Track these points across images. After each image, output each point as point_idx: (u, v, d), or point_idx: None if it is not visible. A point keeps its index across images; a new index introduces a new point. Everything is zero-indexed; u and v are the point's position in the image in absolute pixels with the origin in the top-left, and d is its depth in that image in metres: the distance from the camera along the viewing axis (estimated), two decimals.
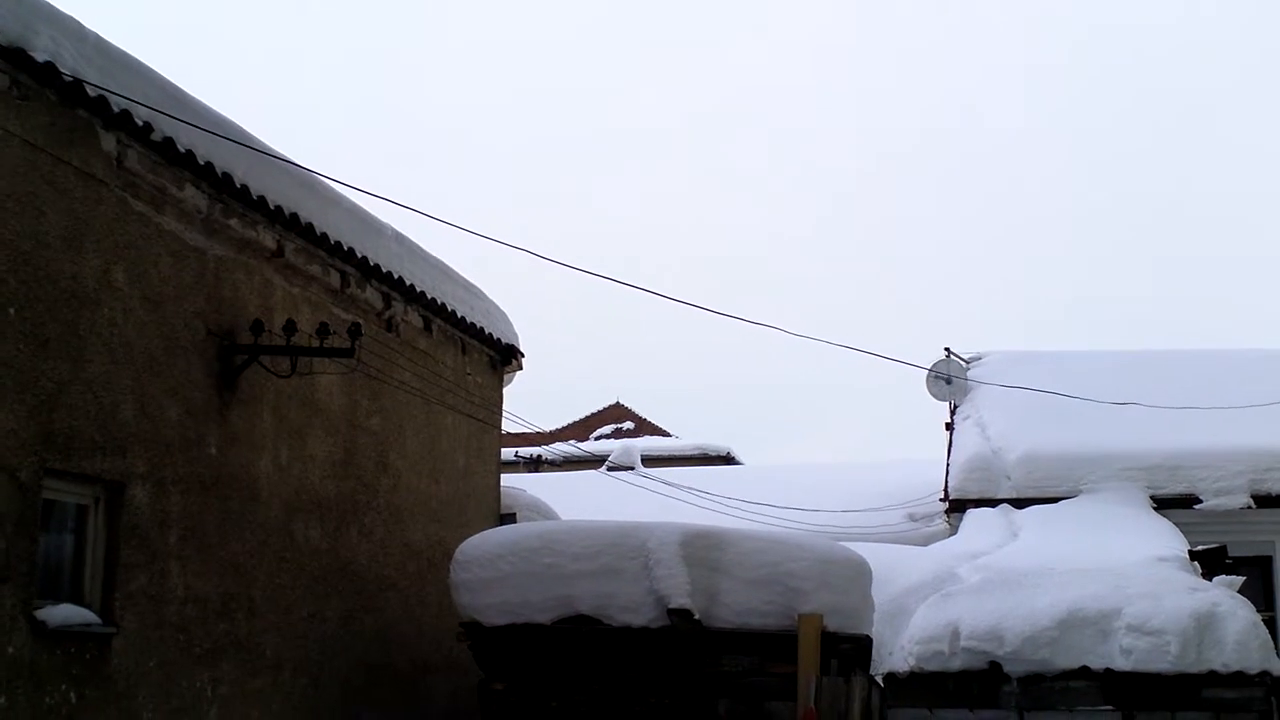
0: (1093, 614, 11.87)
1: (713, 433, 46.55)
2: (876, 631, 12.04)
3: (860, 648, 11.41)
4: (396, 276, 12.73)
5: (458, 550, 11.64)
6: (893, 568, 13.31)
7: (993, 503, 18.26)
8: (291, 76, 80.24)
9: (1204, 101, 73.91)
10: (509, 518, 15.54)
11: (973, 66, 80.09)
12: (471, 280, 14.86)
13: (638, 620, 11.04)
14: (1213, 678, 11.53)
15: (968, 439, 19.75)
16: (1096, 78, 76.92)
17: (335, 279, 11.88)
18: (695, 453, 34.23)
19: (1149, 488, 18.04)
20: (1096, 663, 11.73)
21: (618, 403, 44.48)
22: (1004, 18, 77.86)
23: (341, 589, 11.94)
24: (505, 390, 15.98)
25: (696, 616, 10.91)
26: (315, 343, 10.76)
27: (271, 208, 10.68)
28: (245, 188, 10.30)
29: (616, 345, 69.49)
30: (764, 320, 15.68)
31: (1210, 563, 14.62)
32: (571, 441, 32.25)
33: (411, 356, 13.29)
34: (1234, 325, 64.97)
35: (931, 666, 12.11)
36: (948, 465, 19.61)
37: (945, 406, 21.19)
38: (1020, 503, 18.01)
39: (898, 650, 12.46)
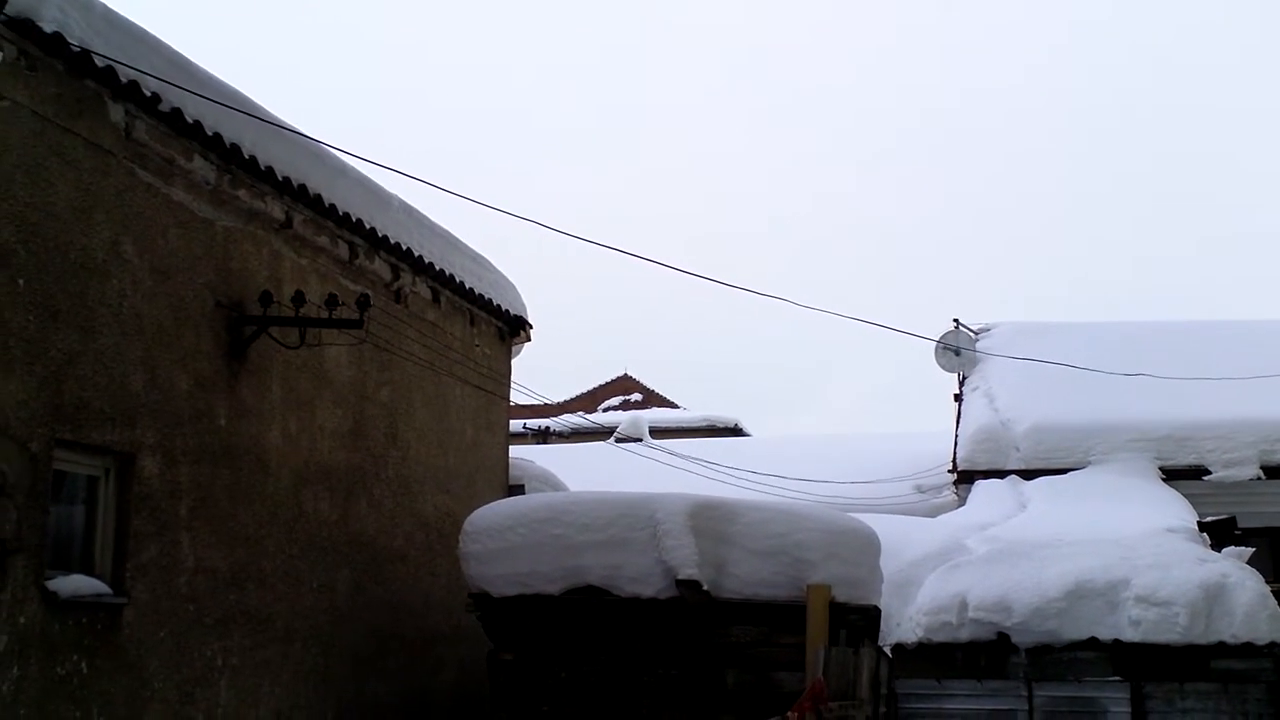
0: (1101, 585, 11.89)
1: (720, 404, 46.68)
2: (885, 602, 12.05)
3: (868, 618, 11.42)
4: (405, 247, 12.71)
5: (467, 521, 11.65)
6: (901, 539, 13.31)
7: (1001, 474, 18.28)
8: (294, 50, 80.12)
9: (1213, 77, 73.64)
10: (517, 489, 15.55)
11: (971, 44, 79.79)
12: (479, 252, 14.84)
13: (646, 591, 11.05)
14: (1221, 648, 11.56)
15: (976, 410, 19.74)
16: (1103, 53, 76.62)
17: (344, 250, 11.86)
18: (703, 424, 34.25)
19: (1158, 459, 18.04)
20: (1105, 634, 11.75)
21: (625, 375, 44.47)
22: None
23: (351, 560, 11.96)
24: (513, 362, 15.98)
25: (705, 587, 10.92)
26: (324, 314, 10.75)
27: (280, 178, 10.66)
28: (253, 158, 10.28)
29: (624, 317, 69.51)
30: (772, 292, 15.65)
31: (1219, 534, 14.62)
32: (579, 413, 32.28)
33: (420, 328, 13.28)
34: (1241, 298, 64.89)
35: (939, 637, 12.15)
36: (956, 437, 19.61)
37: (954, 378, 21.19)
38: (1029, 474, 18.02)
39: (906, 621, 12.49)
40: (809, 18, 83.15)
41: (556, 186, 76.71)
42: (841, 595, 10.95)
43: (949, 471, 19.36)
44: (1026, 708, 11.73)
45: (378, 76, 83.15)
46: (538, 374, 24.31)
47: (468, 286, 14.17)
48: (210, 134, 9.74)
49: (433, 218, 13.59)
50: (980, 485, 18.09)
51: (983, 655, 12.10)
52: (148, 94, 9.06)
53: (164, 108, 9.27)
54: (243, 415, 10.40)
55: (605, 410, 39.18)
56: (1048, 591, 11.94)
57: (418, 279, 13.24)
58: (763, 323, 74.88)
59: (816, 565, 10.97)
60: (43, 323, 8.29)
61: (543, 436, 31.43)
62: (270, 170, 10.53)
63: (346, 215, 11.66)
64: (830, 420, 66.05)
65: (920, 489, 20.21)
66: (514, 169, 78.26)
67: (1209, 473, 17.96)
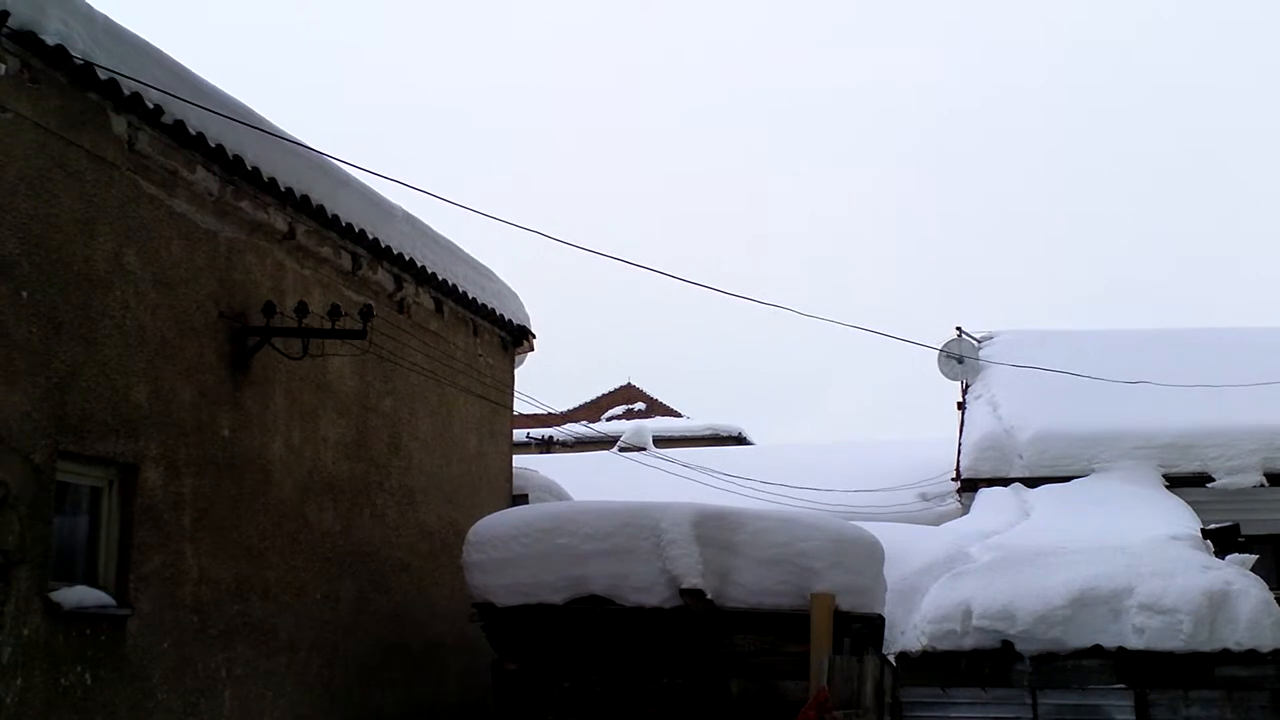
0: (1105, 593, 11.86)
1: (724, 413, 46.55)
2: (889, 611, 12.03)
3: (872, 627, 11.41)
4: (408, 258, 12.73)
5: (470, 531, 11.67)
6: (905, 547, 13.29)
7: (1005, 482, 18.23)
8: (293, 60, 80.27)
9: (1214, 91, 73.65)
10: (521, 499, 15.56)
11: (971, 56, 79.87)
12: (482, 261, 14.86)
13: (650, 600, 11.05)
14: (1226, 656, 11.52)
15: (979, 418, 19.72)
16: (1105, 67, 76.70)
17: (346, 261, 11.88)
18: (707, 433, 34.22)
19: (1161, 466, 17.99)
20: (1109, 641, 11.72)
21: (629, 383, 44.45)
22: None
23: (355, 570, 11.97)
24: (517, 371, 15.99)
25: (709, 596, 10.93)
26: (327, 325, 10.77)
27: (282, 190, 10.68)
28: (256, 170, 10.31)
29: (627, 327, 69.52)
30: (775, 301, 15.69)
31: (1223, 541, 14.58)
32: (583, 422, 32.29)
33: (423, 338, 13.30)
34: (1243, 304, 64.89)
35: (944, 646, 12.11)
36: (959, 445, 19.59)
37: (957, 386, 21.17)
38: (1032, 482, 17.98)
39: (910, 629, 12.46)
40: (819, 26, 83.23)
41: (555, 190, 76.74)
42: (845, 604, 10.95)
43: (952, 479, 19.32)
44: (1031, 716, 11.69)
45: (377, 83, 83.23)
46: (541, 383, 24.31)
47: (471, 296, 14.19)
48: (213, 145, 9.76)
49: (435, 228, 13.62)
50: (984, 493, 18.05)
51: (987, 663, 12.06)
52: (150, 106, 9.09)
53: (167, 119, 9.29)
54: (246, 426, 10.41)
55: (609, 419, 39.15)
56: (1052, 599, 11.91)
57: (421, 289, 13.26)
58: (765, 331, 74.90)
59: (821, 574, 10.97)
60: (46, 334, 8.30)
61: (546, 446, 31.42)
62: (273, 181, 10.55)
63: (349, 226, 11.69)
64: (833, 428, 66.03)
65: (924, 497, 20.18)
66: (506, 176, 78.27)
67: (1212, 480, 17.91)
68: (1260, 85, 76.79)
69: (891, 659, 12.11)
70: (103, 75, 8.62)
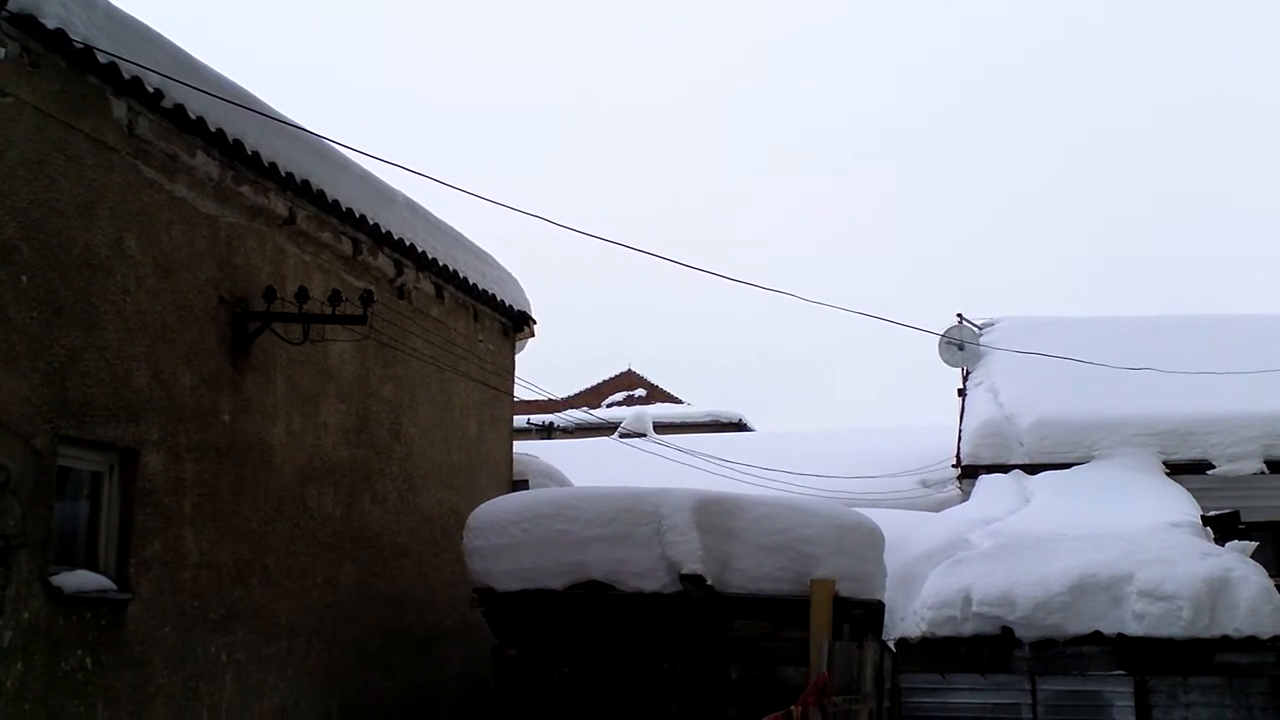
0: (1105, 579, 11.88)
1: (725, 400, 46.58)
2: (889, 597, 12.05)
3: (872, 613, 11.42)
4: (408, 243, 12.72)
5: (471, 517, 11.67)
6: (905, 533, 13.30)
7: (1005, 469, 18.24)
8: (296, 46, 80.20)
9: (1213, 71, 73.52)
10: (522, 484, 15.56)
11: (969, 33, 79.74)
12: (483, 247, 14.85)
13: (650, 586, 11.07)
14: (1225, 643, 11.54)
15: (980, 405, 19.72)
16: (1109, 45, 76.59)
17: (347, 246, 11.87)
18: (707, 419, 34.19)
19: (1162, 453, 17.99)
20: (1109, 628, 11.74)
21: (630, 370, 44.44)
22: None
23: (355, 555, 11.98)
24: (517, 357, 15.99)
25: (709, 582, 10.93)
26: (328, 310, 10.76)
27: (283, 175, 10.67)
28: (256, 154, 10.29)
29: (628, 313, 69.51)
30: (777, 286, 15.67)
31: (1223, 528, 14.59)
32: (584, 408, 32.26)
33: (424, 324, 13.29)
34: (1244, 292, 64.83)
35: (944, 632, 12.14)
36: (960, 431, 19.58)
37: (958, 373, 21.16)
38: (1032, 468, 17.98)
39: (910, 615, 12.49)
40: (819, 10, 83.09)
41: (554, 180, 76.68)
42: (846, 590, 10.96)
43: (953, 466, 19.33)
44: (1030, 701, 11.73)
45: (380, 74, 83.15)
46: (542, 369, 24.35)
47: (471, 282, 14.18)
48: (213, 130, 9.75)
49: (437, 214, 13.61)
50: (984, 480, 18.06)
51: (986, 649, 12.09)
52: (150, 90, 9.07)
53: (167, 104, 9.28)
54: (246, 411, 10.42)
55: (609, 405, 39.12)
56: (1051, 586, 11.93)
57: (421, 275, 13.26)
58: (767, 318, 74.88)
59: (821, 560, 10.98)
60: (46, 319, 8.30)
61: (547, 432, 31.41)
62: (273, 166, 10.54)
63: (350, 211, 11.68)
64: (835, 415, 66.00)
65: (925, 484, 20.17)
66: (506, 163, 78.20)
67: (1213, 467, 17.91)
68: (1259, 61, 76.63)
69: (891, 645, 12.13)
70: (102, 59, 8.61)
